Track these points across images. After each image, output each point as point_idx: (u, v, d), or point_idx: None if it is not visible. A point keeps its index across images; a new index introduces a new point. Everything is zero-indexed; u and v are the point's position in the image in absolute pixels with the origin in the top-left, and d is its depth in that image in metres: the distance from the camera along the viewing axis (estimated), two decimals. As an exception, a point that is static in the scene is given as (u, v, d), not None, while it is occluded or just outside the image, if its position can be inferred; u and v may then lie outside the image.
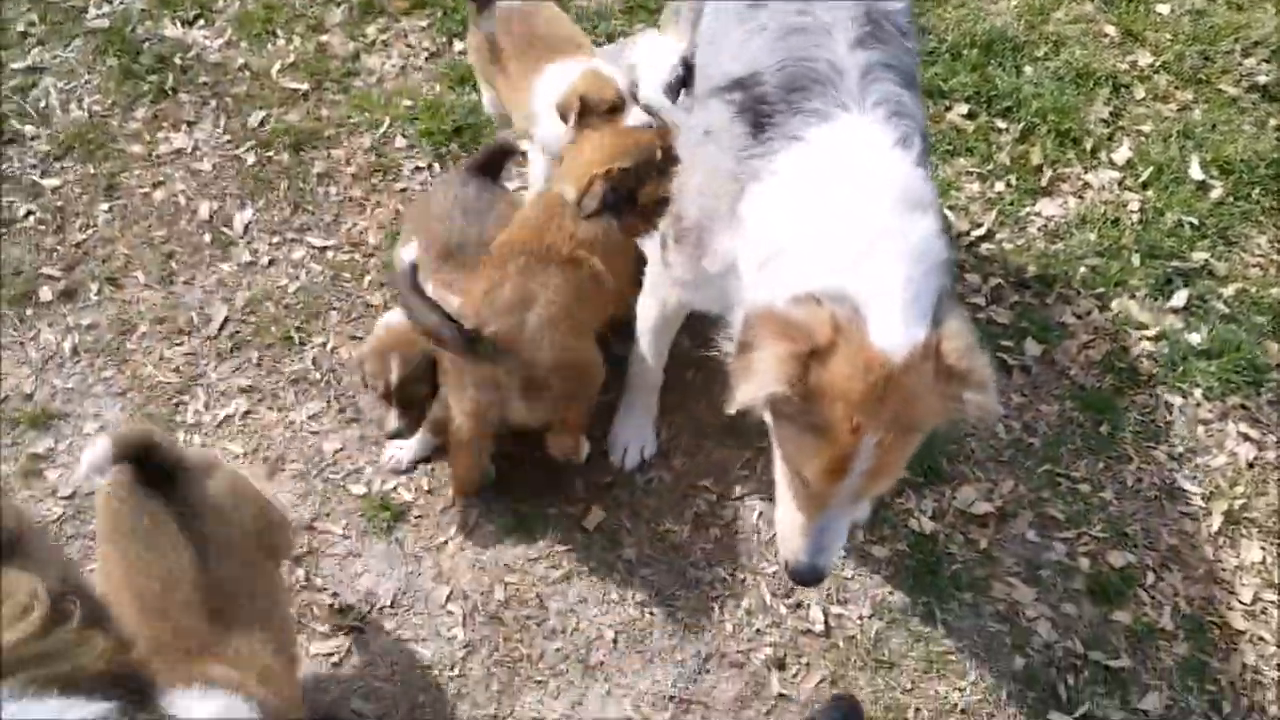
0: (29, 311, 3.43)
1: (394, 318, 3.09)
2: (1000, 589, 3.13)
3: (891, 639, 3.05)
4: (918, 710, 2.95)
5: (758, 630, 3.07)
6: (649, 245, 3.03)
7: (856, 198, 2.35)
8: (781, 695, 2.97)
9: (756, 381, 2.24)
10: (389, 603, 3.02)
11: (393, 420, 3.10)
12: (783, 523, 2.50)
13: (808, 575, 2.48)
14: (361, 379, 3.18)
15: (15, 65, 3.95)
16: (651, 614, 3.07)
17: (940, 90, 4.06)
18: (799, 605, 3.10)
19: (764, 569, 3.15)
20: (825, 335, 2.20)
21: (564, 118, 3.27)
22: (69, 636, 1.62)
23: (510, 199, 3.40)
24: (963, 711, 2.95)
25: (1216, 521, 3.27)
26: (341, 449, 3.25)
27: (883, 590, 3.13)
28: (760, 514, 3.23)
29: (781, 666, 3.01)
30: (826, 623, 3.07)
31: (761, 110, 2.55)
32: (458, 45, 4.14)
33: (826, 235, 2.32)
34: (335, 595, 3.02)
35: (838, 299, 2.23)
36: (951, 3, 4.37)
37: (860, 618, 3.09)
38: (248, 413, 3.30)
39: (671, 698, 2.95)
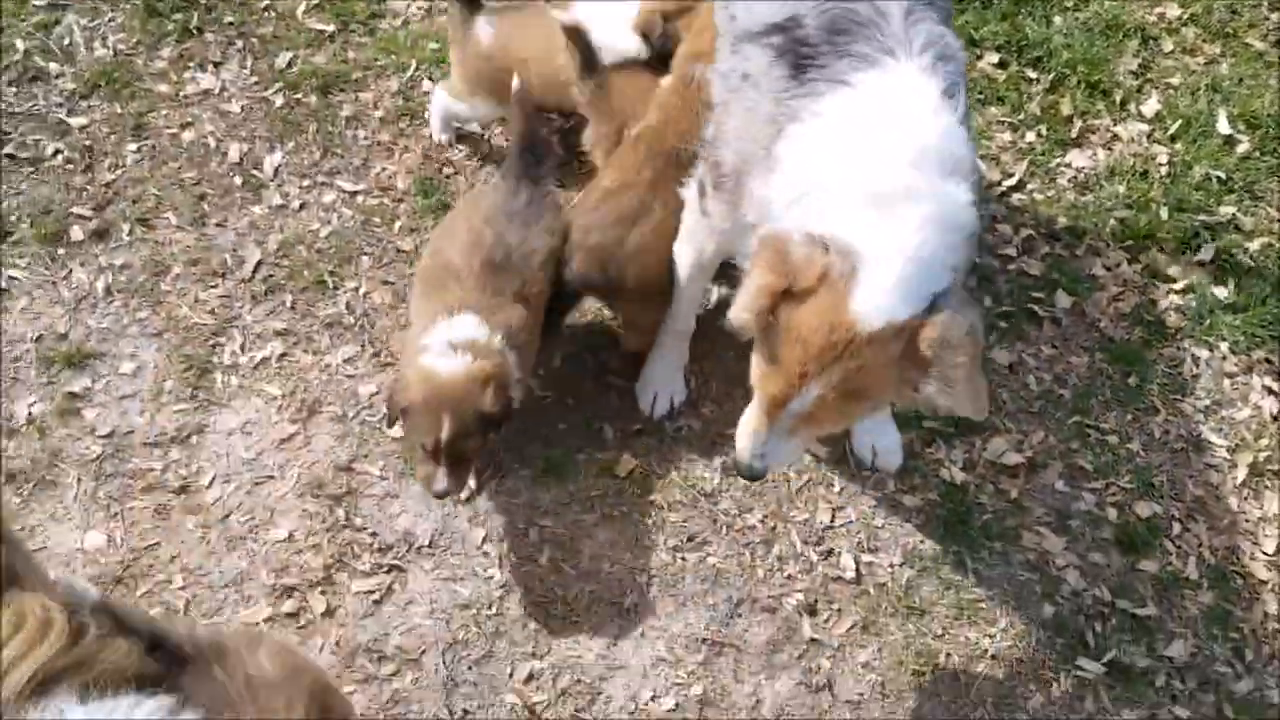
0: (60, 251, 3.42)
1: (442, 364, 2.81)
2: (1030, 538, 3.18)
3: (922, 586, 3.10)
4: (948, 656, 3.00)
5: (788, 576, 3.11)
6: (686, 193, 3.02)
7: (895, 153, 2.36)
8: (813, 640, 3.02)
9: (737, 304, 2.38)
10: (427, 543, 3.06)
11: (441, 480, 2.83)
12: (743, 417, 2.61)
13: (744, 471, 2.63)
14: (390, 417, 2.94)
15: (37, 2, 3.88)
16: (683, 559, 3.11)
17: (971, 38, 4.02)
18: (830, 552, 3.15)
19: (794, 517, 3.19)
20: (809, 280, 2.28)
21: (648, 37, 3.26)
22: (94, 645, 1.68)
23: (560, 206, 3.24)
24: (993, 657, 3.01)
25: (1241, 473, 3.32)
26: (377, 392, 3.26)
27: (914, 539, 3.17)
28: (790, 463, 3.26)
29: (813, 612, 3.06)
30: (857, 570, 3.12)
31: (803, 53, 2.54)
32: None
33: (856, 184, 2.34)
34: (374, 535, 3.05)
35: (843, 251, 2.27)
36: (982, -50, 4.33)
37: (891, 565, 3.13)
38: (283, 355, 3.31)
39: (704, 640, 3.00)
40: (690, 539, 3.14)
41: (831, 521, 3.20)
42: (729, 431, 3.27)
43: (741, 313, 2.36)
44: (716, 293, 3.47)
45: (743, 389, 3.31)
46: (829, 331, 2.25)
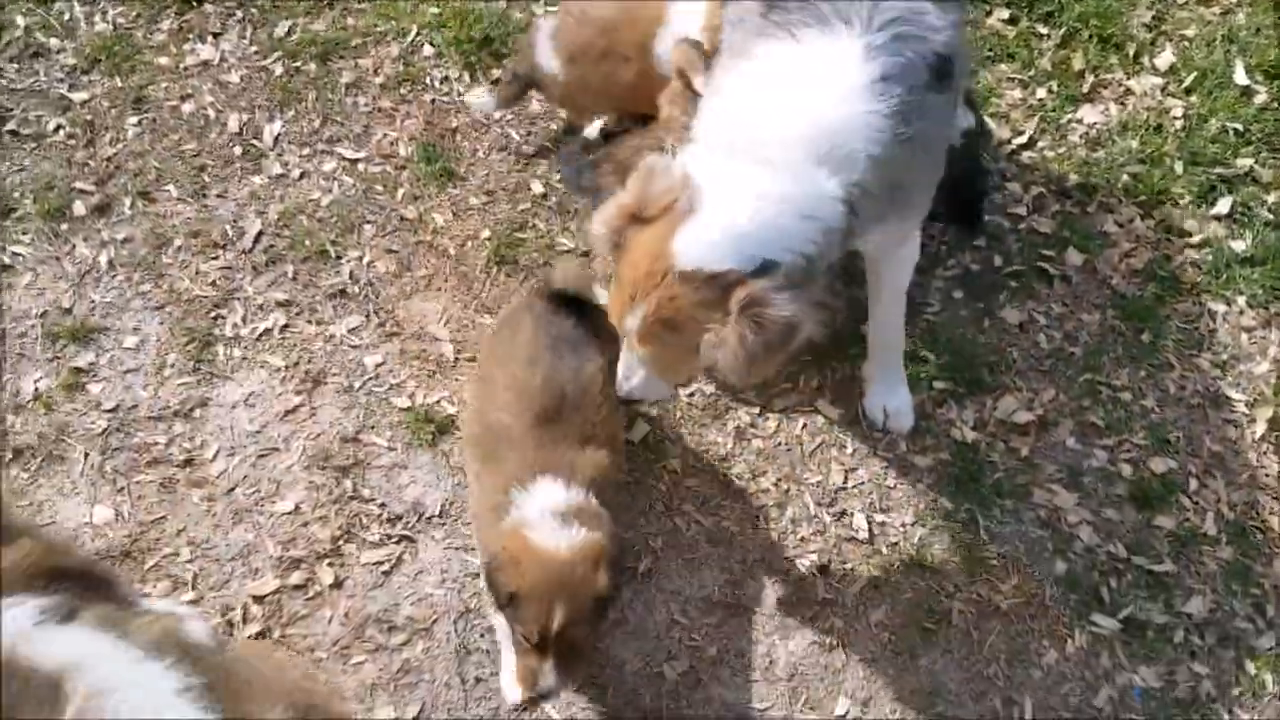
0: (63, 226, 3.40)
1: (547, 540, 2.46)
2: (1042, 495, 3.14)
3: (934, 545, 3.07)
4: (961, 613, 2.98)
5: (801, 538, 3.09)
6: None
7: (784, 121, 2.37)
8: (826, 600, 3.00)
9: (595, 217, 2.52)
10: (437, 512, 3.04)
11: (549, 677, 2.45)
12: None
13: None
14: (498, 601, 2.50)
15: (36, -24, 3.86)
16: (698, 523, 3.09)
17: (981, -6, 3.97)
18: (843, 513, 3.12)
19: (807, 479, 3.17)
20: (654, 209, 2.40)
21: None
22: None
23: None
24: (1005, 614, 2.98)
25: (1260, 428, 3.27)
26: (382, 362, 3.24)
27: (925, 498, 3.14)
28: (804, 425, 3.24)
29: (826, 572, 3.04)
30: (870, 530, 3.09)
31: (775, 3, 2.52)
32: (484, -49, 4.04)
33: (740, 133, 2.40)
34: (383, 506, 3.04)
35: (696, 192, 2.36)
36: (990, -96, 4.25)
37: (903, 525, 3.11)
38: (286, 326, 3.29)
39: (718, 603, 2.99)
40: (704, 503, 3.12)
41: (844, 483, 3.17)
42: (741, 395, 3.27)
43: (598, 226, 2.49)
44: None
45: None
46: (652, 260, 2.37)
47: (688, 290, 2.35)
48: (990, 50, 3.87)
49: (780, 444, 3.21)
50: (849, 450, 3.21)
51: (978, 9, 3.91)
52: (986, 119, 3.74)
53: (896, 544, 3.08)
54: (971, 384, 3.30)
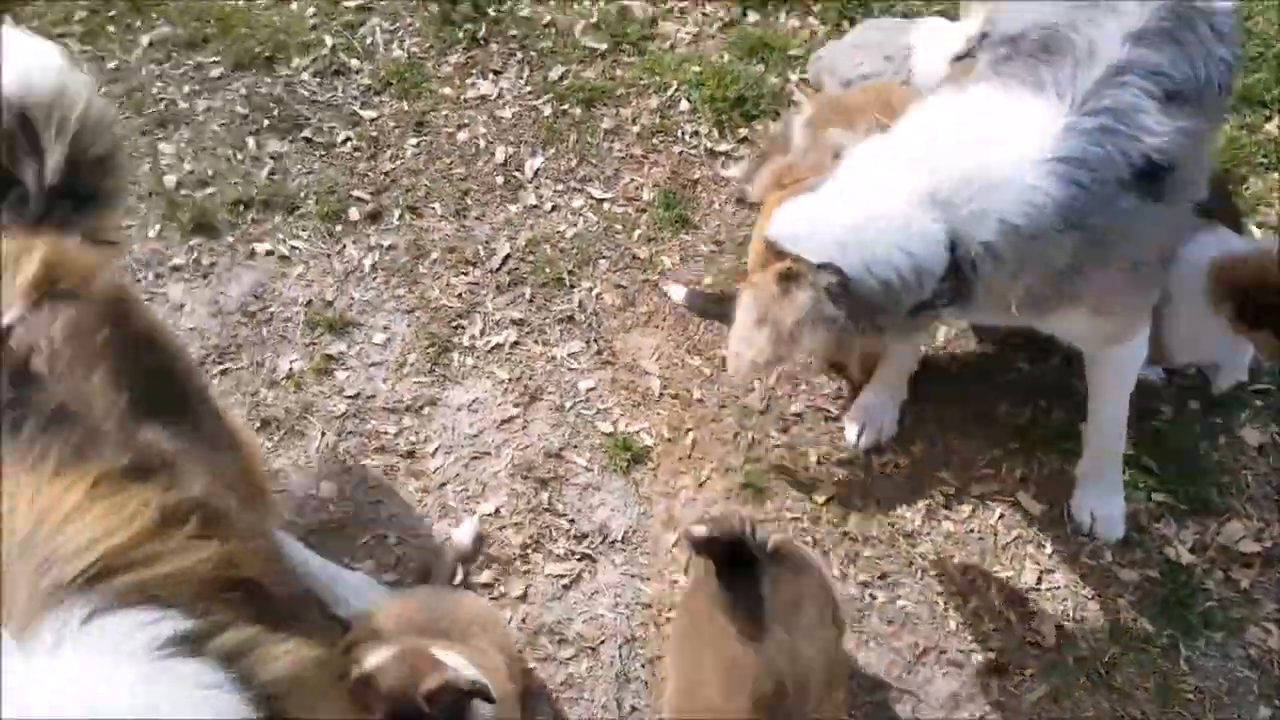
0: (338, 228, 3.77)
1: None
2: (1256, 633, 2.91)
3: (1126, 667, 2.90)
4: (1146, 743, 2.79)
5: (982, 633, 2.99)
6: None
7: (947, 157, 2.31)
8: (999, 703, 2.88)
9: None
10: (620, 538, 3.14)
11: None
12: None
13: None
14: None
15: (348, 4, 4.31)
16: (872, 596, 3.05)
17: (1261, 100, 3.76)
18: (1030, 615, 3.00)
19: (996, 572, 3.06)
20: (792, 178, 2.69)
21: None
22: (176, 541, 1.51)
23: (828, 584, 2.55)
24: (1197, 753, 2.77)
25: None
26: (594, 388, 3.40)
27: (1125, 615, 2.97)
28: (1001, 516, 3.14)
29: (1003, 673, 2.92)
30: (1058, 639, 2.95)
31: (1011, 56, 2.49)
32: (751, 16, 4.20)
33: (910, 146, 2.38)
34: (572, 522, 3.17)
35: (830, 179, 2.45)
36: (1288, 8, 4.03)
37: (1096, 639, 2.95)
38: (516, 343, 3.51)
39: (881, 684, 2.92)
40: (882, 576, 3.08)
41: (1037, 583, 3.05)
42: (938, 474, 3.22)
43: (757, 183, 2.91)
44: (943, 332, 3.41)
45: (958, 433, 3.27)
46: (765, 217, 2.58)
47: (763, 254, 2.48)
48: (1265, 158, 3.66)
49: (973, 531, 3.12)
50: (1047, 550, 3.09)
51: (1255, 114, 3.72)
52: (1254, 229, 3.54)
53: (1084, 658, 2.92)
54: (1195, 502, 3.11)
